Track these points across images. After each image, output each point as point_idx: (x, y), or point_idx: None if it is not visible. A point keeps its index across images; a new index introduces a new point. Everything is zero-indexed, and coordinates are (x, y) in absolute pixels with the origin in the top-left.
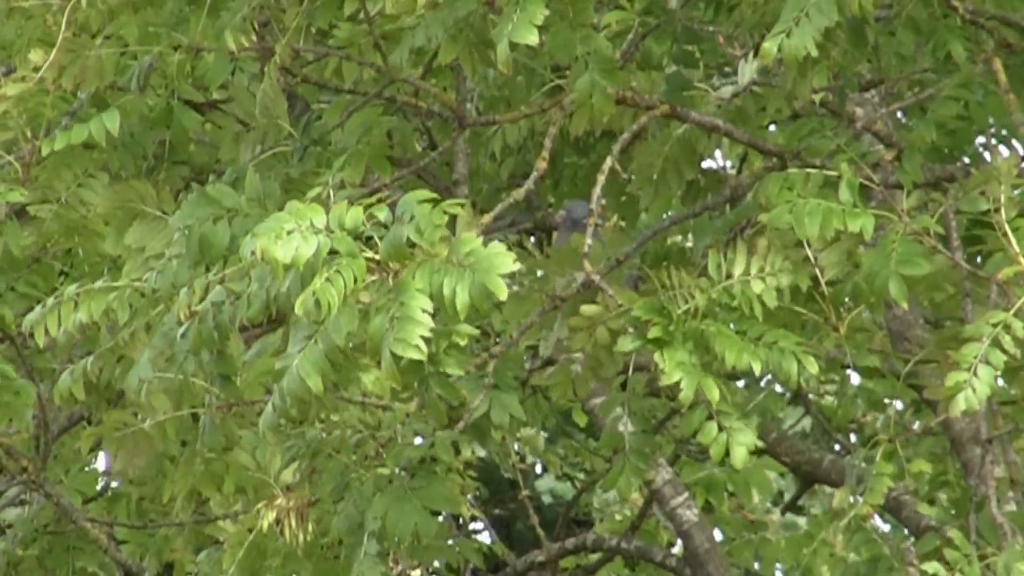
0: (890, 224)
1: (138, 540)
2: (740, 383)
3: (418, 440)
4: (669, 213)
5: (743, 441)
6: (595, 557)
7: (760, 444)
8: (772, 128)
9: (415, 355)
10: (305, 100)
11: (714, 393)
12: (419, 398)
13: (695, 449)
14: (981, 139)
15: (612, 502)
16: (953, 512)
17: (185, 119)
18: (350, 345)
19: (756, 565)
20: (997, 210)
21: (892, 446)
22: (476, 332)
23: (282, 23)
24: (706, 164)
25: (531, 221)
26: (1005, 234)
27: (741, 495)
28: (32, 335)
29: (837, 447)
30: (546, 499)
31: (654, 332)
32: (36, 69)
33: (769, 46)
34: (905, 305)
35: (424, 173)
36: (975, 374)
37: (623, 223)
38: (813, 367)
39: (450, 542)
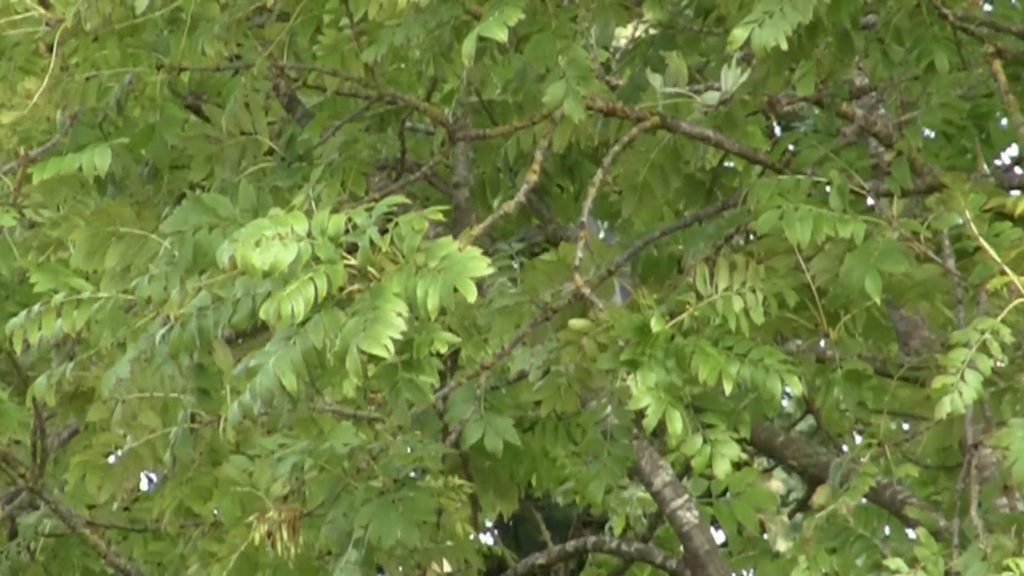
0: (881, 230)
1: (154, 560)
2: None
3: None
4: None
5: (727, 453)
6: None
7: (745, 457)
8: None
9: (381, 352)
10: (305, 106)
11: (676, 424)
12: (388, 401)
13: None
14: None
15: (627, 502)
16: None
17: (168, 135)
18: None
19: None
20: (968, 224)
21: (881, 448)
22: (458, 340)
23: (263, 37)
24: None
25: (543, 235)
26: (982, 246)
27: (724, 525)
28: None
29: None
30: (559, 499)
31: (626, 354)
32: (30, 96)
33: (739, 33)
34: (877, 299)
35: (434, 178)
36: (962, 378)
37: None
38: (797, 387)
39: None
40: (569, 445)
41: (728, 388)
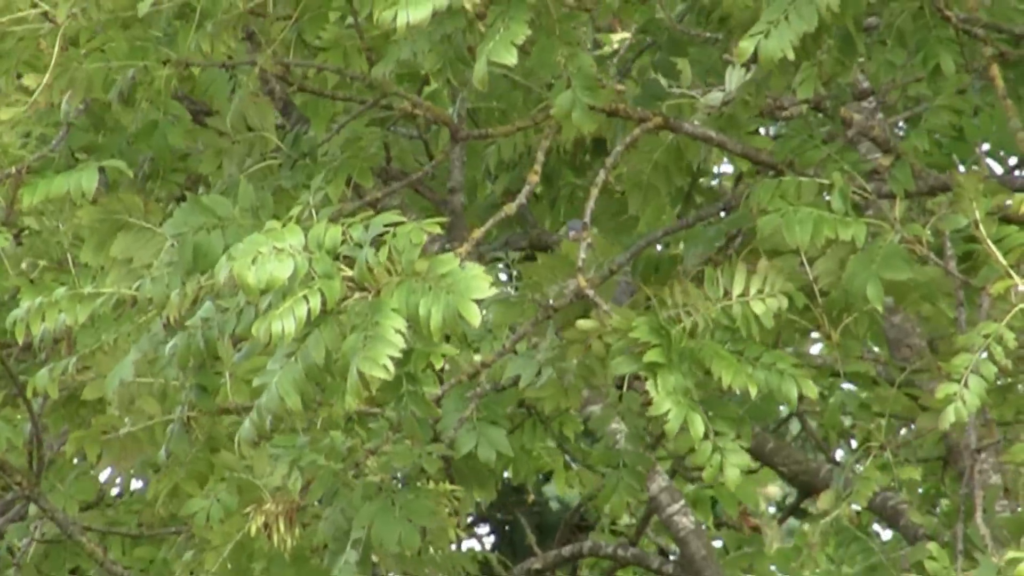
0: (882, 232)
1: (138, 565)
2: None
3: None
4: (663, 218)
5: (736, 462)
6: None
7: (753, 465)
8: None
9: (381, 374)
10: (301, 111)
11: (698, 428)
12: (395, 415)
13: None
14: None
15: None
16: (944, 522)
17: (170, 134)
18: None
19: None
20: (976, 226)
21: (882, 452)
22: (456, 352)
23: (267, 33)
24: (703, 175)
25: (526, 240)
26: (988, 248)
27: (727, 507)
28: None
29: (840, 453)
30: (553, 505)
31: (651, 356)
32: (30, 93)
33: (746, 45)
34: (880, 307)
35: (420, 186)
36: (966, 385)
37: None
38: (812, 391)
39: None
40: (551, 441)
41: (753, 392)
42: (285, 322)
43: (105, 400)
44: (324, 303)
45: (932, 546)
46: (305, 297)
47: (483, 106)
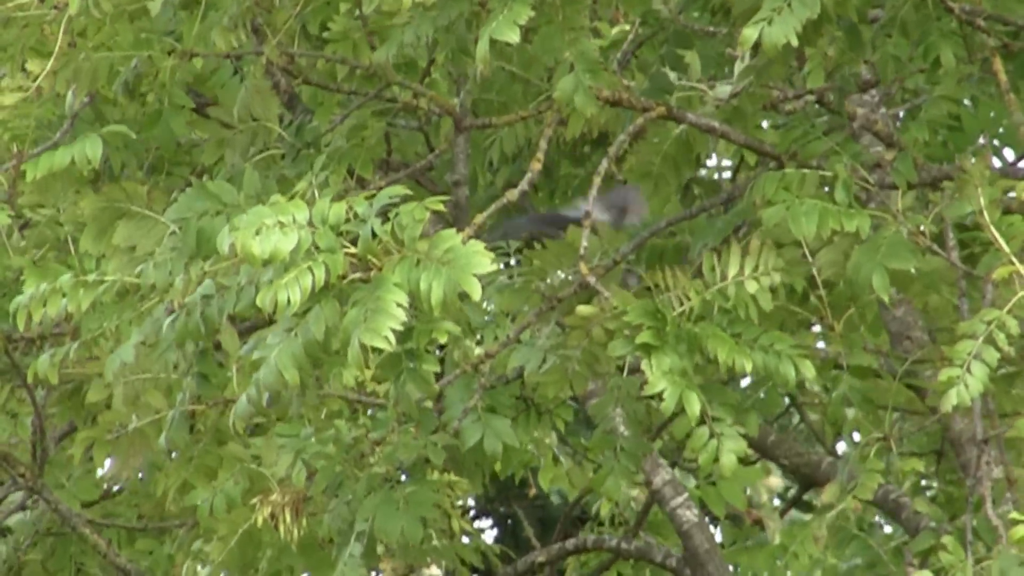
0: (885, 224)
1: (140, 558)
2: (745, 380)
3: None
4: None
5: (732, 448)
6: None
7: (750, 453)
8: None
9: (383, 345)
10: (305, 104)
11: (694, 407)
12: (393, 392)
13: (691, 458)
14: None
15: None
16: (942, 513)
17: (175, 124)
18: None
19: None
20: (980, 213)
21: (885, 444)
22: (458, 330)
23: (272, 25)
24: (701, 167)
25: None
26: (993, 236)
27: (714, 508)
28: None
29: (842, 446)
30: (554, 498)
31: (643, 337)
32: (34, 79)
33: (749, 33)
34: (887, 298)
35: (422, 178)
36: (968, 370)
37: None
38: (810, 371)
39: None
40: (544, 435)
41: (748, 368)
42: (291, 292)
43: (110, 395)
44: (327, 276)
45: (948, 539)
46: (310, 268)
47: (483, 99)
